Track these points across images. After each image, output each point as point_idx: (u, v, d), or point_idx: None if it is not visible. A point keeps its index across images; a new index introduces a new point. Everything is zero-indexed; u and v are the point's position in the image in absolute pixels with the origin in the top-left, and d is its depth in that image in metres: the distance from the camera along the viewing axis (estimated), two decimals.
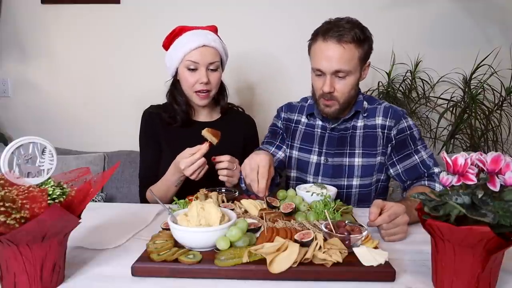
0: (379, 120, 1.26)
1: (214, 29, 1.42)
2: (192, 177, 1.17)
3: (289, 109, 1.42)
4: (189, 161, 1.15)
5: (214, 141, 1.17)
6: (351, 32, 1.12)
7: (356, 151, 1.26)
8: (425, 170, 1.21)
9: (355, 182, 1.26)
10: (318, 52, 1.17)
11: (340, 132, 1.29)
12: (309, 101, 1.39)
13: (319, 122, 1.33)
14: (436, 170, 1.19)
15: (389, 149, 1.25)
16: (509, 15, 2.07)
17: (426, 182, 1.18)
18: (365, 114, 1.28)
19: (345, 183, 1.27)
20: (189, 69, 1.33)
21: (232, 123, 1.47)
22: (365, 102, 1.29)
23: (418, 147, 1.23)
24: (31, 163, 0.66)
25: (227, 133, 1.43)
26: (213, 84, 1.36)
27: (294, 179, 1.37)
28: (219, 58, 1.36)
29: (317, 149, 1.31)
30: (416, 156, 1.22)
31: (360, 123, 1.28)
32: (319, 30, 1.19)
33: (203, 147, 1.16)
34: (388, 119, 1.25)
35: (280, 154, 1.39)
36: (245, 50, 2.09)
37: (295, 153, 1.36)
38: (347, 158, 1.27)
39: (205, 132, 1.18)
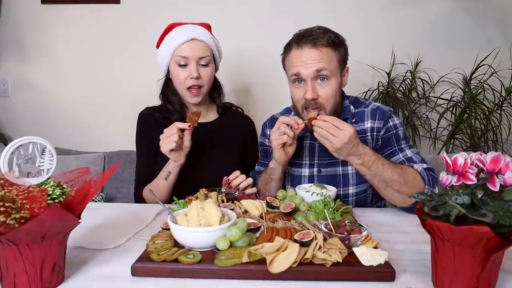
0: (368, 124, 1.22)
1: (206, 26, 1.39)
2: (162, 147, 1.17)
3: (273, 124, 1.28)
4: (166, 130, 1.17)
5: (195, 121, 1.19)
6: (325, 36, 1.10)
7: None
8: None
9: (351, 190, 1.23)
10: (294, 59, 1.12)
11: None
12: (293, 112, 1.32)
13: (308, 134, 1.26)
14: (422, 165, 1.12)
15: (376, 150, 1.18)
16: (509, 15, 2.07)
17: (406, 163, 1.13)
18: (353, 120, 1.23)
19: (341, 193, 1.23)
20: (180, 65, 1.31)
21: (231, 124, 1.46)
22: (351, 107, 1.25)
23: (402, 145, 1.19)
24: (31, 163, 0.66)
25: (225, 133, 1.43)
26: (205, 79, 1.32)
27: None
28: (210, 53, 1.33)
29: (308, 162, 1.28)
30: (400, 154, 1.18)
31: None
32: (291, 41, 1.16)
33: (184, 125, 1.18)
34: (377, 120, 1.21)
35: None
36: (245, 49, 2.09)
37: (287, 168, 1.30)
38: (340, 167, 1.24)
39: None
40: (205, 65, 1.32)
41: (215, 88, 1.43)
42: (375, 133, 1.21)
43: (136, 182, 1.41)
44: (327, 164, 1.25)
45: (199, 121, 1.42)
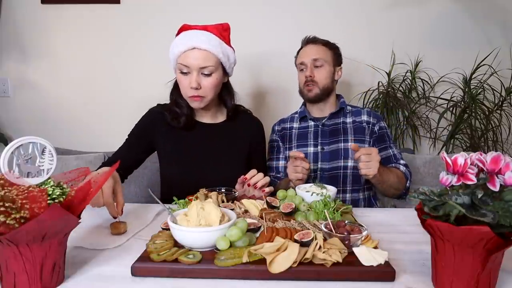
0: (364, 117, 1.54)
1: (219, 28, 1.31)
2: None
3: (281, 122, 1.65)
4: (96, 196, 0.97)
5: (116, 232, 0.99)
6: (323, 40, 1.55)
7: (349, 138, 1.50)
8: (395, 161, 1.49)
9: (350, 163, 1.46)
10: (301, 53, 1.56)
11: (331, 126, 1.53)
12: (299, 110, 1.61)
13: (312, 123, 1.56)
14: (402, 162, 1.48)
15: (372, 140, 1.51)
16: (509, 15, 2.07)
17: (393, 165, 1.46)
18: (348, 111, 1.55)
19: (342, 164, 1.46)
20: (182, 72, 1.27)
21: (239, 126, 1.43)
22: (348, 107, 1.57)
23: (391, 144, 1.52)
24: (31, 163, 0.66)
25: (233, 135, 1.42)
26: (206, 89, 1.27)
27: None
28: (214, 62, 1.26)
29: (312, 142, 1.52)
30: (390, 150, 1.50)
31: (349, 119, 1.54)
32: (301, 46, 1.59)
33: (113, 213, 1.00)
34: (371, 117, 1.54)
35: (283, 163, 1.56)
36: (250, 51, 2.09)
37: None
38: (342, 144, 1.49)
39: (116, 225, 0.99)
40: (208, 75, 1.26)
41: (227, 92, 1.41)
42: (370, 126, 1.52)
43: (106, 160, 1.40)
44: (329, 143, 1.50)
45: (206, 121, 1.42)
